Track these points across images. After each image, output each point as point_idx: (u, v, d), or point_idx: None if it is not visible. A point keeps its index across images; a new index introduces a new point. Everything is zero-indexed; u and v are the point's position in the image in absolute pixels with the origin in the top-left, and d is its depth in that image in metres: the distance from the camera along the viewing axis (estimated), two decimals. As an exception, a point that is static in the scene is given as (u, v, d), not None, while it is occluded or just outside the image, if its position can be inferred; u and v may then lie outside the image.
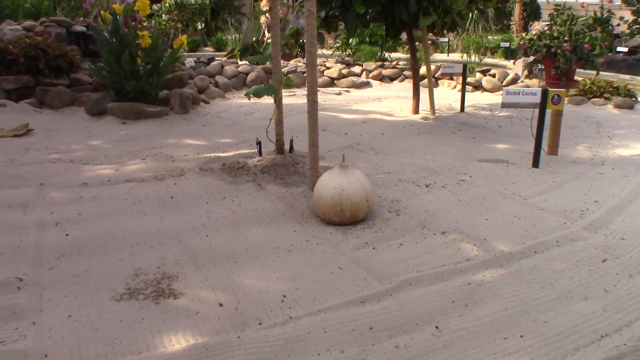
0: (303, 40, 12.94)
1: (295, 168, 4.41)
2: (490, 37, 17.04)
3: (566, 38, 4.43)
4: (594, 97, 8.52)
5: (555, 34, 4.58)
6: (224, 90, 8.89)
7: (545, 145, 5.02)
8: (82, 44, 8.68)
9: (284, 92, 8.99)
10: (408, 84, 10.21)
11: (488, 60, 13.93)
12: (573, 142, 5.94)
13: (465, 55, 12.03)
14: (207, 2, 16.23)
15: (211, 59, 10.63)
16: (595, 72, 6.49)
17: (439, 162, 4.89)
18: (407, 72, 10.50)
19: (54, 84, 7.01)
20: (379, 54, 12.60)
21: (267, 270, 2.78)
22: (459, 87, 9.61)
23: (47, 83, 6.97)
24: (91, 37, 8.63)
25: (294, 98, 8.70)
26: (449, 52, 18.22)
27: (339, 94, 9.30)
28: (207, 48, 15.27)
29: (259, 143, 4.63)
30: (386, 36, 6.25)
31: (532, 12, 17.48)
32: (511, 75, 9.52)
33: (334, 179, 3.48)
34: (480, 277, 2.72)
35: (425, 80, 9.87)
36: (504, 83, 9.51)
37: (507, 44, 15.02)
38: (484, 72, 9.90)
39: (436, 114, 7.21)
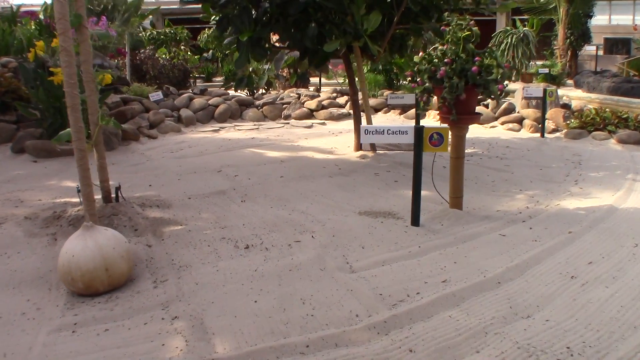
0: (301, 72, 12.37)
1: (110, 220, 3.72)
2: (525, 61, 15.53)
3: (446, 60, 3.42)
4: (596, 129, 7.10)
5: (439, 55, 3.57)
6: (186, 124, 8.47)
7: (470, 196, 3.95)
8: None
9: (250, 124, 8.41)
10: (394, 116, 9.23)
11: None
12: (519, 188, 4.77)
13: None
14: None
15: (203, 90, 10.32)
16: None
17: (307, 214, 4.00)
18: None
19: None
20: (392, 82, 11.57)
21: None
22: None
23: (-8, 119, 6.85)
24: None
25: (256, 132, 8.08)
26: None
27: (310, 126, 8.55)
28: (219, 78, 15.13)
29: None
30: (309, 65, 5.48)
31: (580, 36, 15.72)
32: (504, 105, 8.28)
33: (70, 241, 2.81)
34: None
35: (412, 110, 8.89)
36: (497, 114, 8.29)
37: (546, 70, 13.71)
38: (478, 102, 8.70)
39: (380, 151, 6.24)
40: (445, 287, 2.72)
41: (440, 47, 3.55)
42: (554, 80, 13.99)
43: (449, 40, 3.64)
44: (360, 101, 6.01)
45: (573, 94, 10.24)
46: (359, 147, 6.25)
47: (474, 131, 7.82)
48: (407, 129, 3.46)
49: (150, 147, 6.85)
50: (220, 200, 4.40)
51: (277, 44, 5.59)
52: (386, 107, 9.40)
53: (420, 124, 3.51)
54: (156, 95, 8.71)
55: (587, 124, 7.23)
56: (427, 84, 3.68)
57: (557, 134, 7.48)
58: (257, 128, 8.40)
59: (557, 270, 2.95)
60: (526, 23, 16.53)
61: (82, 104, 6.29)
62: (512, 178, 5.16)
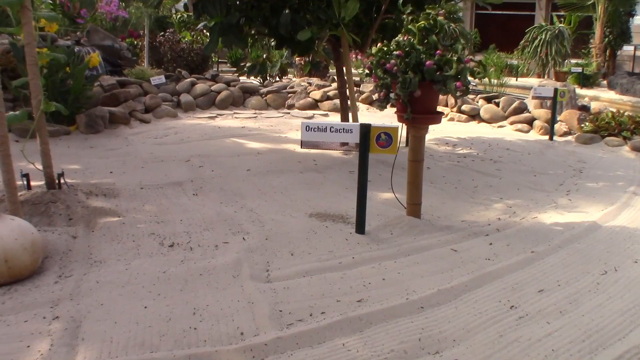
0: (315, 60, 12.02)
1: (47, 207, 3.56)
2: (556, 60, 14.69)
3: (397, 52, 3.07)
4: (610, 134, 6.54)
5: (393, 47, 3.21)
6: (185, 109, 8.32)
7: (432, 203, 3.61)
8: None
9: (249, 112, 8.18)
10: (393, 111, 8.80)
11: (518, 81, 12.09)
12: (501, 196, 4.37)
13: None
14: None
15: (215, 75, 10.15)
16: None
17: (253, 212, 3.74)
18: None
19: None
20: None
21: None
22: (456, 115, 8.05)
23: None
24: (73, 51, 8.60)
25: (252, 121, 7.85)
26: (516, 76, 16.16)
27: (310, 117, 8.25)
28: (249, 64, 14.89)
29: (24, 175, 3.86)
30: (292, 54, 5.18)
31: (619, 35, 14.75)
32: (515, 104, 7.75)
33: (-34, 231, 2.65)
34: None
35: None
36: (507, 113, 7.77)
37: (579, 69, 13.03)
38: (489, 99, 8.20)
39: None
40: (357, 308, 2.41)
41: (397, 39, 3.19)
42: (588, 80, 13.23)
43: (407, 30, 3.28)
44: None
45: (605, 96, 9.57)
46: (345, 142, 5.92)
47: (478, 130, 7.35)
48: (353, 128, 3.13)
49: (138, 131, 6.72)
50: (173, 192, 4.19)
51: (253, 32, 5.30)
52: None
53: (366, 122, 3.17)
54: (158, 79, 8.57)
55: (601, 128, 6.66)
56: (385, 79, 3.33)
57: (568, 138, 6.93)
58: (256, 117, 8.17)
59: (498, 297, 2.59)
60: (562, 20, 15.66)
61: (62, 85, 6.29)
62: (498, 184, 4.75)
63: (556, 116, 7.16)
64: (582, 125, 7.01)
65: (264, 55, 13.38)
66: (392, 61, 3.09)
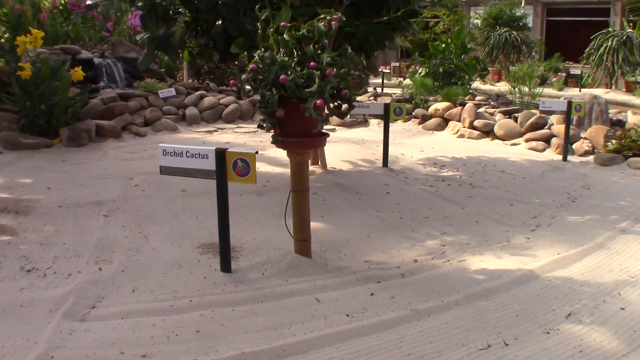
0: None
1: None
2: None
3: (251, 66, 2.65)
4: (634, 155, 5.58)
5: (257, 59, 2.77)
6: (190, 123, 8.26)
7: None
8: (85, 70, 8.97)
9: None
10: (413, 126, 8.17)
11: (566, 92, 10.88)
12: (444, 231, 3.75)
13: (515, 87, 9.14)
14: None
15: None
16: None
17: (146, 239, 3.46)
18: (418, 111, 8.44)
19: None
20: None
21: None
22: (467, 131, 7.31)
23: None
24: (93, 64, 8.91)
25: (248, 136, 7.62)
26: (580, 87, 14.78)
27: (312, 133, 7.85)
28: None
29: None
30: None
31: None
32: (532, 119, 6.87)
33: None
34: None
35: (432, 120, 7.85)
36: (523, 129, 6.91)
37: None
38: (506, 113, 7.36)
39: (338, 168, 5.43)
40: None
41: (258, 52, 2.74)
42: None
43: (275, 41, 2.84)
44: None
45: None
46: (314, 160, 5.50)
47: (484, 149, 6.58)
48: (208, 153, 2.73)
49: (123, 145, 6.70)
50: (87, 212, 4.00)
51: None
52: (418, 118, 8.33)
53: (225, 148, 2.75)
54: (167, 92, 8.61)
55: (625, 147, 5.68)
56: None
57: (589, 158, 5.98)
58: (255, 132, 7.91)
59: (318, 368, 2.08)
60: (633, 25, 14.07)
61: (51, 98, 6.40)
62: (457, 215, 4.09)
63: (570, 132, 6.24)
64: (609, 143, 6.05)
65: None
66: (243, 76, 2.66)
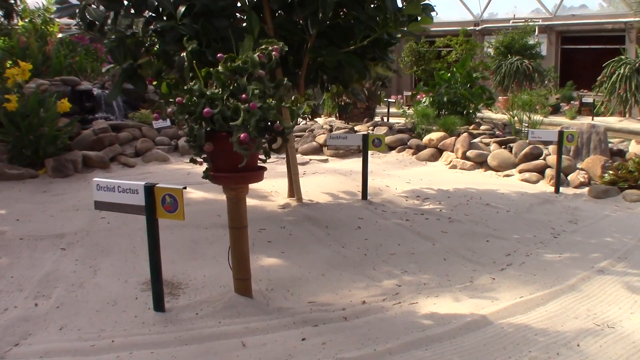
0: (343, 101, 11.58)
1: None
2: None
3: (177, 99, 2.57)
4: (630, 187, 5.32)
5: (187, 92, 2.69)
6: (182, 153, 8.25)
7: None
8: (84, 101, 9.13)
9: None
10: (406, 156, 8.01)
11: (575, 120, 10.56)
12: (407, 268, 3.57)
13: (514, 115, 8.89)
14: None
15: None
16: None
17: (93, 273, 3.36)
18: (413, 141, 8.29)
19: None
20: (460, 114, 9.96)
21: None
22: (460, 162, 7.12)
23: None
24: (92, 95, 9.08)
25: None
26: (593, 115, 14.49)
27: (305, 163, 7.75)
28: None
29: None
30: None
31: None
32: (526, 149, 6.66)
33: None
34: None
35: (426, 150, 7.71)
36: (517, 159, 6.69)
37: None
38: (501, 143, 7.15)
39: (315, 200, 5.29)
40: None
41: (191, 84, 2.66)
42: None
43: (204, 72, 2.77)
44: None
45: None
46: (291, 192, 5.38)
47: (474, 180, 6.36)
48: (138, 188, 2.64)
49: (109, 177, 6.69)
50: (45, 245, 3.94)
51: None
52: (411, 148, 8.17)
53: (154, 183, 2.66)
54: (161, 122, 8.64)
55: (621, 179, 5.42)
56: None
57: (583, 190, 5.73)
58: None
59: None
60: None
61: (38, 129, 6.47)
62: (425, 252, 3.90)
63: (565, 162, 6.01)
64: (605, 174, 5.80)
65: (292, 98, 13.16)
66: (169, 110, 2.59)
